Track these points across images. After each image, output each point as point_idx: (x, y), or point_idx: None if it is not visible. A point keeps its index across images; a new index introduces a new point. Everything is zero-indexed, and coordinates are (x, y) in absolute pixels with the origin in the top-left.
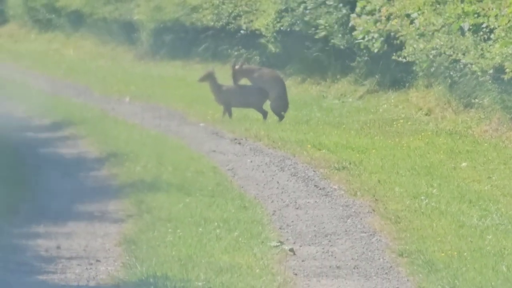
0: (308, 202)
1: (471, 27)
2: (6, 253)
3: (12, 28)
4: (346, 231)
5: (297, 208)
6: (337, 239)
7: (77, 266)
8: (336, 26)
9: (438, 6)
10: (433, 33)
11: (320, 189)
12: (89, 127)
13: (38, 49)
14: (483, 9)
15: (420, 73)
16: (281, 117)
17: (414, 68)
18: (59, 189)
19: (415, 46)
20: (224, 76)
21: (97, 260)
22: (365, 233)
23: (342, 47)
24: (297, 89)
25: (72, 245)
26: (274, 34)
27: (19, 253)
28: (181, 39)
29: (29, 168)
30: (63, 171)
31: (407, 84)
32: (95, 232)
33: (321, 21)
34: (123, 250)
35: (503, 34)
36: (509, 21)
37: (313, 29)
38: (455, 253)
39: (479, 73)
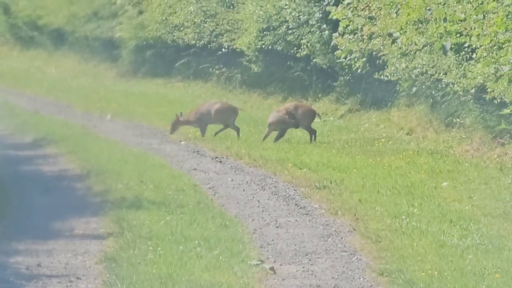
0: (289, 221)
1: (453, 46)
2: None
3: None
4: (326, 250)
5: (277, 227)
6: (318, 258)
7: (58, 283)
8: (318, 45)
9: (420, 25)
10: (415, 53)
11: (300, 208)
12: (70, 145)
13: (20, 66)
14: (465, 29)
15: (402, 93)
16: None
17: (396, 87)
18: (40, 207)
19: (397, 65)
20: (206, 93)
21: (78, 278)
22: (346, 252)
23: (324, 66)
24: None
25: (52, 262)
26: (256, 52)
27: None
28: (162, 57)
29: (10, 185)
30: (44, 188)
31: (389, 103)
32: (75, 250)
33: (303, 40)
34: (104, 268)
35: (485, 54)
36: (491, 40)
37: (295, 48)
38: (436, 272)
39: (460, 93)
